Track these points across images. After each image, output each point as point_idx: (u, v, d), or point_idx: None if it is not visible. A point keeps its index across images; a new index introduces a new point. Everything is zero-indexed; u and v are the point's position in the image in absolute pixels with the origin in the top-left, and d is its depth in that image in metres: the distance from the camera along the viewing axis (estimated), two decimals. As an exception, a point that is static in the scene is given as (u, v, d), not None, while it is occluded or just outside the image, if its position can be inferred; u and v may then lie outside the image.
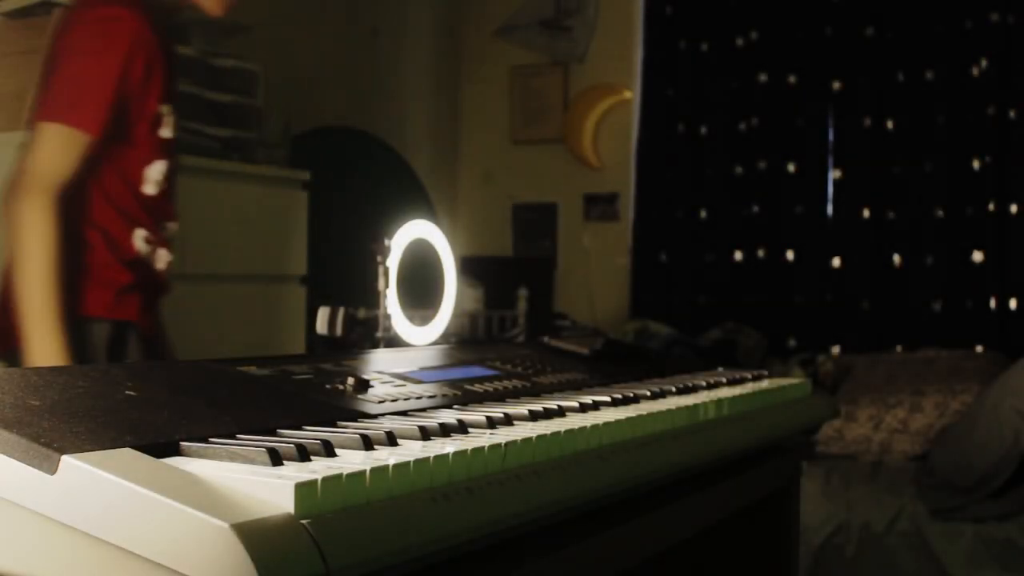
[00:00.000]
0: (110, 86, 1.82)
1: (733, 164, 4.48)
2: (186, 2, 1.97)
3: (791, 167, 4.38)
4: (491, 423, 0.95)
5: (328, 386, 1.05)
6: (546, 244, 4.82)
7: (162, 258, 2.05)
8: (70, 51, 1.87)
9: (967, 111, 4.05)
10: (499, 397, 1.16)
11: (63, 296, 1.80)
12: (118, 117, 1.85)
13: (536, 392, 1.22)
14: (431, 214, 4.18)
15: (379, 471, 0.70)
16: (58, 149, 1.81)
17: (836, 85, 4.30)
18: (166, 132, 1.95)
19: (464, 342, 3.17)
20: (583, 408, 1.09)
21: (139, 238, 1.98)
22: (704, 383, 1.38)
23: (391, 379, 1.14)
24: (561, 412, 1.05)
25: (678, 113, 4.55)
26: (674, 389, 1.30)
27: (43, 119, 1.82)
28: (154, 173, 1.96)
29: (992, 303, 4.01)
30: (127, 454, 0.72)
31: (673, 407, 1.14)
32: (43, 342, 1.78)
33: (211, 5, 1.95)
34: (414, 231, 1.58)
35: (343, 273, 2.72)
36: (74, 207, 1.86)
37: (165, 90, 1.92)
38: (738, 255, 4.48)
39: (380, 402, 1.03)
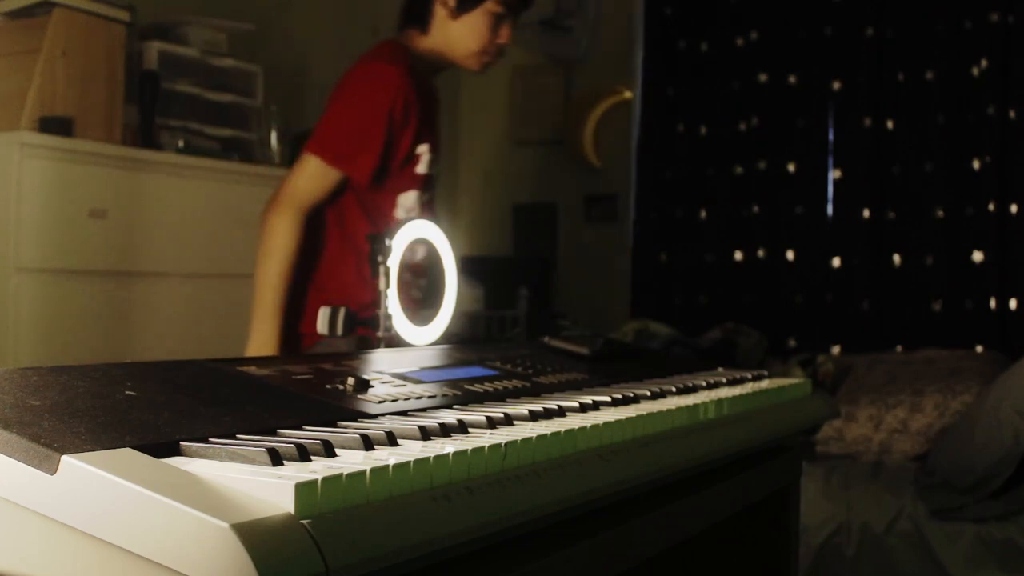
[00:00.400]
0: (368, 131, 2.11)
1: (733, 164, 4.48)
2: (449, 62, 2.25)
3: (791, 167, 4.38)
4: (491, 423, 0.95)
5: (328, 386, 1.05)
6: (546, 244, 4.82)
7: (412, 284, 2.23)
8: (338, 98, 2.20)
9: (967, 111, 4.05)
10: (499, 397, 1.16)
11: (288, 305, 2.11)
12: (370, 158, 2.13)
13: (536, 392, 1.22)
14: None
15: (379, 471, 0.70)
16: (311, 177, 2.12)
17: (836, 85, 4.30)
18: (421, 168, 2.20)
19: (464, 342, 3.17)
20: (583, 408, 1.09)
21: None
22: (704, 383, 1.38)
23: (391, 379, 1.14)
24: (561, 412, 1.05)
25: (678, 113, 4.55)
26: (674, 389, 1.30)
27: (307, 151, 2.14)
28: (406, 201, 2.20)
29: (992, 303, 4.01)
30: (127, 454, 0.72)
31: (673, 407, 1.14)
32: (261, 336, 2.10)
33: (471, 65, 2.24)
34: (414, 231, 1.58)
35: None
36: (322, 231, 2.17)
37: (421, 133, 2.18)
38: (738, 255, 4.48)
39: (380, 402, 1.03)
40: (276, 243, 2.09)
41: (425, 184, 2.24)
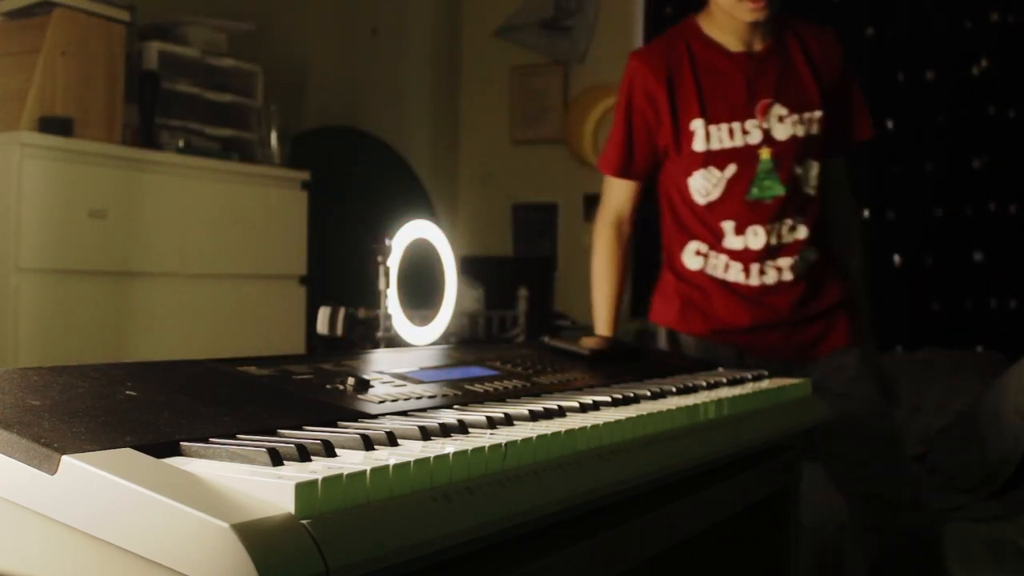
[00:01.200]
0: (620, 136, 2.17)
1: (733, 164, 4.47)
2: (738, 20, 2.09)
3: (791, 167, 4.37)
4: (491, 423, 0.95)
5: (328, 386, 1.05)
6: (546, 244, 4.82)
7: (732, 271, 2.12)
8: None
9: (967, 111, 4.05)
10: (499, 397, 1.16)
11: (618, 302, 2.33)
12: (637, 156, 2.17)
13: (536, 392, 1.22)
14: (431, 214, 4.18)
15: (379, 471, 0.70)
16: (608, 191, 2.28)
17: (836, 85, 4.29)
18: (698, 146, 2.09)
19: (464, 342, 3.17)
20: (583, 408, 1.09)
21: (690, 252, 2.16)
22: (704, 383, 1.38)
23: (391, 379, 1.14)
24: (561, 412, 1.05)
25: (678, 113, 4.54)
26: (674, 389, 1.30)
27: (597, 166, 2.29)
28: (696, 184, 2.11)
29: (992, 303, 4.01)
30: (127, 454, 0.72)
31: (673, 407, 1.14)
32: (597, 332, 2.26)
33: (743, 18, 2.07)
34: (414, 231, 1.58)
35: (343, 273, 2.72)
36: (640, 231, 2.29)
37: (688, 110, 2.10)
38: (738, 255, 4.47)
39: (380, 402, 1.03)
40: (594, 251, 2.34)
41: (712, 161, 2.08)
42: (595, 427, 0.97)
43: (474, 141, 5.00)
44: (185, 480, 0.68)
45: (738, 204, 2.08)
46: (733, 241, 2.09)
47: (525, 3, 4.81)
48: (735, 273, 2.10)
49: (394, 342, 1.52)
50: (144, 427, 0.79)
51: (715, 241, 2.11)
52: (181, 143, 3.10)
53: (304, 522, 0.63)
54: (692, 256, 2.15)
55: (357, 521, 0.66)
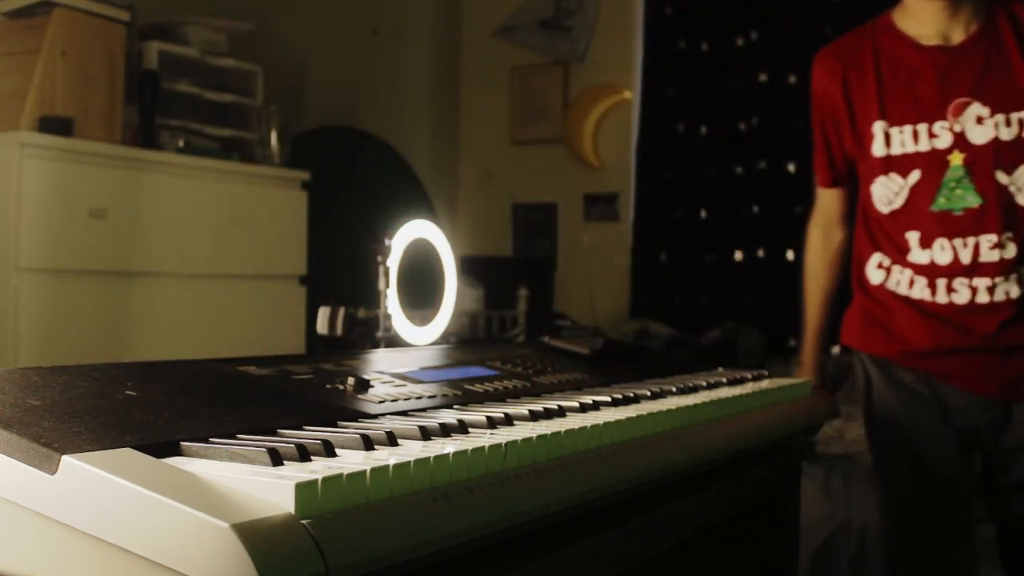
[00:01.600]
0: (816, 146, 2.05)
1: (733, 164, 4.47)
2: (923, 3, 1.90)
3: (791, 167, 4.38)
4: (491, 423, 0.95)
5: (328, 386, 1.05)
6: (546, 244, 4.82)
7: (916, 287, 1.89)
8: None
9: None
10: (499, 397, 1.16)
11: (825, 305, 2.19)
12: (837, 161, 2.04)
13: (536, 392, 1.22)
14: (431, 214, 4.18)
15: (379, 471, 0.70)
16: (819, 196, 2.13)
17: (836, 85, 4.29)
18: (877, 150, 1.91)
19: (464, 342, 3.18)
20: (583, 408, 1.09)
21: (873, 265, 1.97)
22: (704, 383, 1.38)
23: (391, 379, 1.14)
24: (561, 412, 1.05)
25: (678, 113, 4.55)
26: (674, 389, 1.30)
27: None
28: (879, 192, 1.91)
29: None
30: (127, 454, 0.72)
31: (673, 407, 1.14)
32: (804, 359, 2.19)
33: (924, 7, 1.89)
34: (414, 231, 1.58)
35: (343, 273, 2.72)
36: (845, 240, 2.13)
37: (867, 111, 1.93)
38: (738, 255, 4.47)
39: (380, 402, 1.03)
40: (808, 255, 2.19)
41: (892, 166, 1.88)
42: (595, 427, 0.97)
43: (474, 141, 5.00)
44: (185, 480, 0.68)
45: (923, 215, 1.85)
46: (918, 255, 1.86)
47: (525, 3, 4.81)
48: (920, 289, 1.86)
49: (394, 342, 1.52)
50: (144, 427, 0.79)
51: (898, 254, 1.89)
52: (181, 143, 3.10)
53: (304, 522, 0.63)
54: (875, 269, 1.95)
55: (357, 521, 0.66)
